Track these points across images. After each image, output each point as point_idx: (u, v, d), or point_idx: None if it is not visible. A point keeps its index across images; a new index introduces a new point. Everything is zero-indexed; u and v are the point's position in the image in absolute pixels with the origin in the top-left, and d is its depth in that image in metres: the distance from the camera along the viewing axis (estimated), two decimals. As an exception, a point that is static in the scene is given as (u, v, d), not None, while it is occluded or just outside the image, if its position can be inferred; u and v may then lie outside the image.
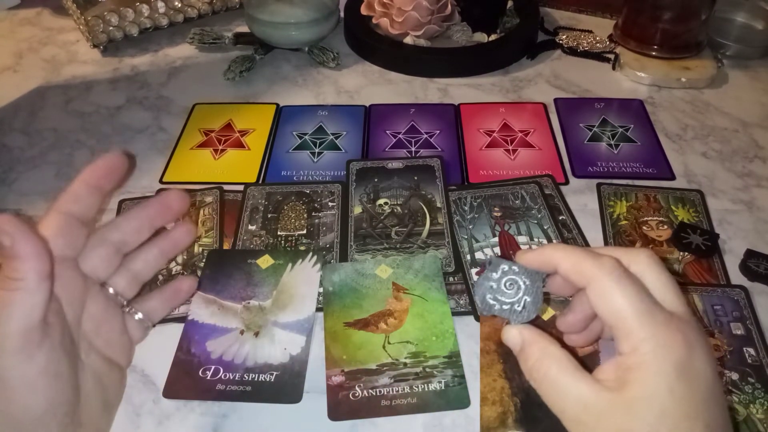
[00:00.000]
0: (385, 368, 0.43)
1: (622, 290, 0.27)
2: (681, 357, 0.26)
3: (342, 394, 0.42)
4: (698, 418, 0.26)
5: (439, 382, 0.43)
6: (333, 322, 0.46)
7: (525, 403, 0.41)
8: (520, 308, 0.31)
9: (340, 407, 0.41)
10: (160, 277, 0.50)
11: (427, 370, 0.43)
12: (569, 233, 0.53)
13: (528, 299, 0.32)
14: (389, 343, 0.45)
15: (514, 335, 0.31)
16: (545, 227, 0.53)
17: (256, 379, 0.43)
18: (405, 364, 0.44)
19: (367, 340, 0.45)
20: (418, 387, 0.42)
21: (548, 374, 0.29)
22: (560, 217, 0.54)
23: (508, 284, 0.32)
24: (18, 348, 0.29)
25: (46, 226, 0.32)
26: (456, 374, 0.43)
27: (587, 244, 0.52)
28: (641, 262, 0.29)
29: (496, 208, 0.55)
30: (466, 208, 0.55)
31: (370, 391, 0.42)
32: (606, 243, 0.53)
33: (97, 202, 0.34)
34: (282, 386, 0.43)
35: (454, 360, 0.44)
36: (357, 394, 0.42)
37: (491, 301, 0.32)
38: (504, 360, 0.44)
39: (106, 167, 0.35)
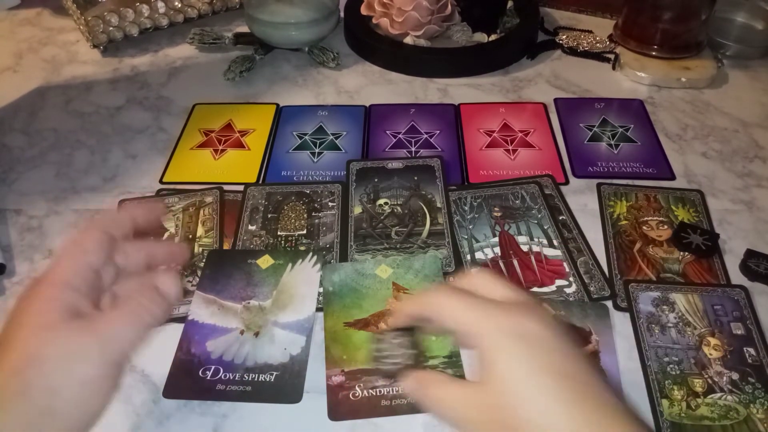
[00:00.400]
0: (385, 368, 0.43)
1: (455, 304, 0.32)
2: (517, 328, 0.30)
3: (342, 394, 0.42)
4: (549, 370, 0.28)
5: None
6: (333, 322, 0.46)
7: None
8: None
9: (340, 407, 0.41)
10: (160, 277, 0.50)
11: (428, 370, 0.43)
12: (569, 233, 0.53)
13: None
14: (389, 343, 0.45)
15: (413, 386, 0.34)
16: (545, 227, 0.53)
17: (256, 379, 0.43)
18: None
19: (367, 340, 0.45)
20: None
21: (427, 394, 0.32)
22: (560, 217, 0.54)
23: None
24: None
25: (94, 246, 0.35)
26: (456, 374, 0.43)
27: (587, 244, 0.52)
28: (472, 277, 0.34)
29: (496, 208, 0.55)
30: (466, 208, 0.55)
31: (370, 391, 0.42)
32: (606, 243, 0.52)
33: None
34: (282, 386, 0.43)
35: (454, 360, 0.44)
36: (357, 394, 0.42)
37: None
38: None
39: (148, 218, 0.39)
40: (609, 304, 0.48)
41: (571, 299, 0.48)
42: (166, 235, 0.54)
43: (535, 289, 0.49)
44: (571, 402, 0.28)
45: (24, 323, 0.31)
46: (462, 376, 0.43)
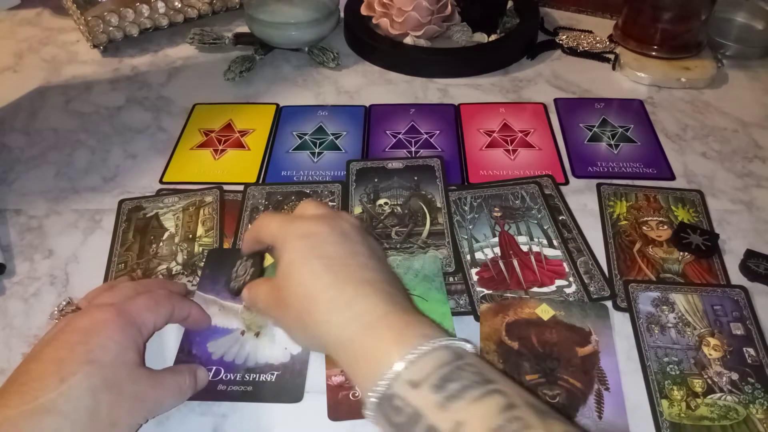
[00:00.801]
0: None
1: (269, 221, 0.41)
2: (304, 231, 0.38)
3: (342, 394, 0.42)
4: (319, 256, 0.36)
5: None
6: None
7: None
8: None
9: (340, 407, 0.41)
10: (161, 277, 0.50)
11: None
12: (569, 233, 0.53)
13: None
14: (389, 343, 0.45)
15: (244, 294, 0.43)
16: (545, 227, 0.53)
17: (257, 379, 0.43)
18: None
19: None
20: None
21: (249, 296, 0.42)
22: (560, 217, 0.54)
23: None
24: None
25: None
26: None
27: (587, 244, 0.52)
28: (299, 205, 0.43)
29: (496, 209, 0.55)
30: (466, 208, 0.55)
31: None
32: (606, 243, 0.53)
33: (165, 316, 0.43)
34: (283, 385, 0.43)
35: None
36: (357, 394, 0.42)
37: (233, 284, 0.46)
38: (504, 360, 0.44)
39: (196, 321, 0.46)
40: (609, 304, 0.48)
41: (570, 299, 0.48)
42: (166, 234, 0.54)
43: (534, 288, 0.49)
44: (332, 277, 0.35)
45: (106, 348, 0.37)
46: None
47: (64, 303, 0.43)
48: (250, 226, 0.53)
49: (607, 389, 0.42)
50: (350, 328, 0.34)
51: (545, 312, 0.47)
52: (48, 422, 0.33)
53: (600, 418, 0.40)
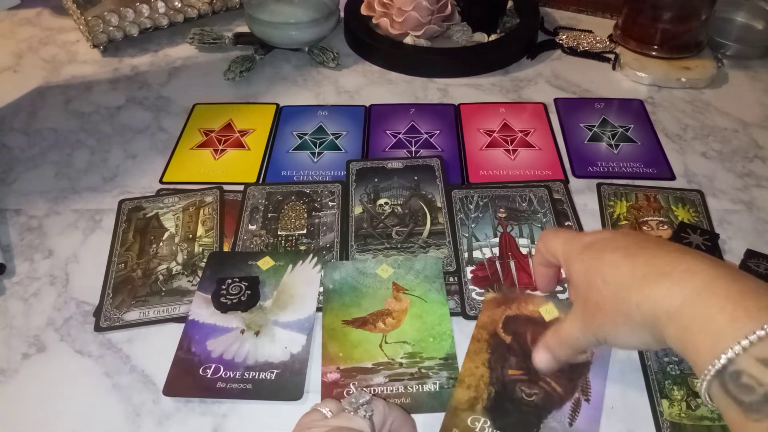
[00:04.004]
0: (380, 367, 0.44)
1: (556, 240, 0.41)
2: (585, 241, 0.38)
3: (336, 391, 0.42)
4: (614, 248, 0.36)
5: (434, 384, 0.43)
6: (331, 320, 0.46)
7: (499, 394, 0.42)
8: None
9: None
10: (161, 277, 0.50)
11: (423, 371, 0.43)
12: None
13: None
14: (386, 342, 0.45)
15: (542, 356, 0.41)
16: (545, 227, 0.53)
17: (256, 377, 0.43)
18: (401, 364, 0.44)
19: (364, 339, 0.45)
20: (412, 387, 0.42)
21: (565, 340, 0.39)
22: (566, 223, 0.54)
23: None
24: None
25: None
26: (451, 376, 0.43)
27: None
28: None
29: (501, 209, 0.55)
30: (471, 206, 0.55)
31: (365, 389, 0.42)
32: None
33: None
34: (283, 384, 0.43)
35: (450, 362, 0.44)
36: (351, 392, 0.42)
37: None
38: (492, 351, 0.44)
39: None
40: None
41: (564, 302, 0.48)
42: (166, 234, 0.54)
43: (528, 291, 0.48)
44: (633, 260, 0.34)
45: None
46: (455, 378, 0.43)
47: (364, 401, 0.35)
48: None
49: (587, 400, 0.41)
50: (678, 296, 0.31)
51: (549, 312, 0.47)
52: None
53: (570, 425, 0.40)
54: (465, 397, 0.41)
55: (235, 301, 0.47)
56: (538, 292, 0.48)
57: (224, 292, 0.47)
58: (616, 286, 0.34)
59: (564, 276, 0.46)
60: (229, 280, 0.48)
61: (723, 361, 0.28)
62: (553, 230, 0.44)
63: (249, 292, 0.47)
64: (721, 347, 0.28)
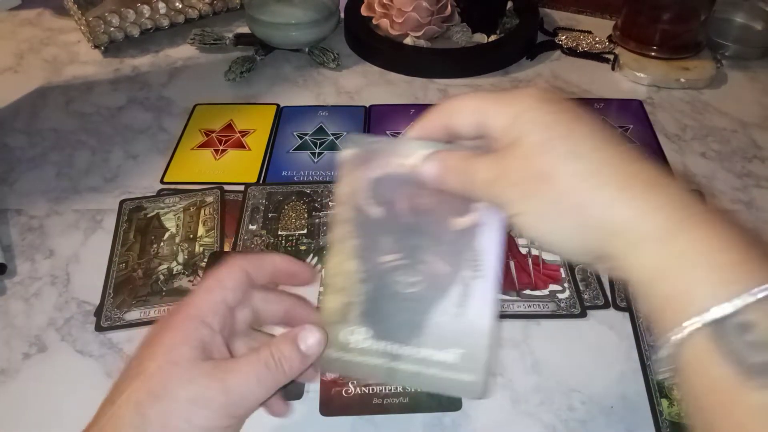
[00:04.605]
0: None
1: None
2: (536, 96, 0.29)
3: (335, 390, 0.42)
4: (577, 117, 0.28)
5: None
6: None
7: (377, 292, 0.32)
8: None
9: (332, 403, 0.42)
10: (161, 277, 0.51)
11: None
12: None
13: None
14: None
15: (434, 167, 0.32)
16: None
17: (256, 378, 0.43)
18: None
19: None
20: (410, 387, 0.42)
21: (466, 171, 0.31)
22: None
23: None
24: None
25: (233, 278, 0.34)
26: None
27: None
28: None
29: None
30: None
31: (363, 389, 0.42)
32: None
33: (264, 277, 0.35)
34: (283, 385, 0.43)
35: None
36: (350, 391, 0.42)
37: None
38: (360, 234, 0.33)
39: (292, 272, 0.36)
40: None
41: (562, 304, 0.48)
42: (166, 234, 0.54)
43: (527, 291, 0.48)
44: (620, 157, 0.27)
45: (154, 354, 0.30)
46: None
47: None
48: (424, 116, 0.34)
49: (479, 277, 0.32)
50: (676, 220, 0.25)
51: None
52: None
53: (461, 313, 0.31)
54: (336, 306, 0.33)
55: None
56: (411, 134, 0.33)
57: None
58: (588, 166, 0.27)
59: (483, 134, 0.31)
60: None
61: (727, 308, 0.23)
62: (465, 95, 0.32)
63: None
64: (727, 291, 0.23)
